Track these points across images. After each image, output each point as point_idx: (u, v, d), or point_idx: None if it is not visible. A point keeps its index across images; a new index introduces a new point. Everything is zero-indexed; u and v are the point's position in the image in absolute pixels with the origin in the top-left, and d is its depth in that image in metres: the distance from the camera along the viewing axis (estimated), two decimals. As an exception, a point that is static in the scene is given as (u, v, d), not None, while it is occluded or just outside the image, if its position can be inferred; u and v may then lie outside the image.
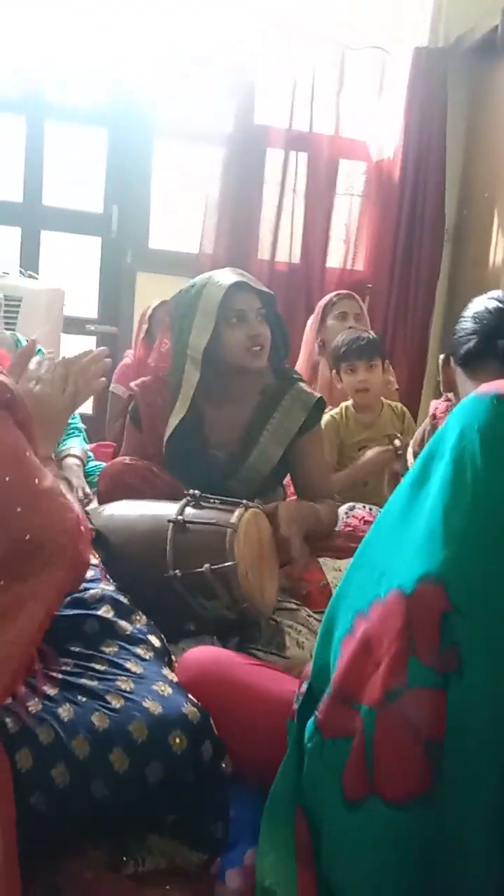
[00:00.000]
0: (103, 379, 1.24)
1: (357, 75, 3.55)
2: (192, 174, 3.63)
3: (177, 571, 1.42)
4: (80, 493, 2.11)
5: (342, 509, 2.11)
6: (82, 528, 0.93)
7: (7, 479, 0.84)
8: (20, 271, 3.28)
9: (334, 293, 2.95)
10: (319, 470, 1.93)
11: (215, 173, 3.46)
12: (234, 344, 1.77)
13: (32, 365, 1.18)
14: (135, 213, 3.57)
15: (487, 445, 0.77)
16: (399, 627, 0.75)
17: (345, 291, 2.98)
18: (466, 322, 1.16)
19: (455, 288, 3.74)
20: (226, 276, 1.80)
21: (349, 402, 2.46)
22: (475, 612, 0.73)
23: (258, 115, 3.49)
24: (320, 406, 1.92)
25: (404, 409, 2.61)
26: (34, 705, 0.94)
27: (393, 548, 0.84)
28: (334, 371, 2.51)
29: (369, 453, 2.30)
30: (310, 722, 0.84)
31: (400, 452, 2.27)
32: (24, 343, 2.38)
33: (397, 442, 2.27)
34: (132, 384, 1.95)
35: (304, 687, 0.90)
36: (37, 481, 0.88)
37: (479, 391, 0.81)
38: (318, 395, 1.92)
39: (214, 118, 3.43)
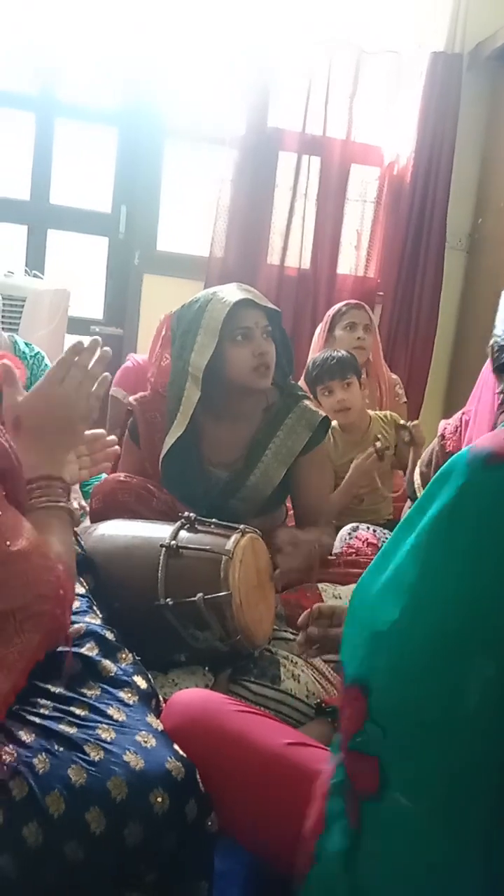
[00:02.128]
0: (107, 374, 1.15)
1: (372, 79, 3.48)
2: (203, 176, 3.57)
3: (168, 600, 1.37)
4: (76, 505, 2.06)
5: (344, 530, 2.06)
6: (62, 591, 0.86)
7: None
8: (25, 270, 3.23)
9: (343, 303, 2.88)
10: (319, 492, 1.88)
11: (226, 176, 3.39)
12: (238, 362, 1.72)
13: (60, 369, 1.08)
14: (143, 214, 3.51)
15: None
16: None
17: (354, 301, 2.91)
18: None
19: (469, 299, 3.67)
20: (231, 293, 1.74)
21: (334, 423, 2.39)
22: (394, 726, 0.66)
23: (271, 117, 3.42)
24: (325, 425, 1.86)
25: (394, 415, 2.54)
26: (9, 753, 0.88)
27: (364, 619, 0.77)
28: (312, 396, 2.44)
29: (353, 464, 2.23)
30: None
31: (387, 452, 2.22)
32: (21, 345, 2.33)
33: (378, 444, 2.21)
34: (131, 399, 1.90)
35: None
36: (8, 543, 0.82)
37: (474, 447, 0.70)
38: (323, 413, 1.87)
39: (227, 120, 3.36)
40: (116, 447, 1.23)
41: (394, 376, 2.99)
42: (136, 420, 1.85)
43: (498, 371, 1.08)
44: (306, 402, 1.87)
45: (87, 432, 1.21)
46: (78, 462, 1.19)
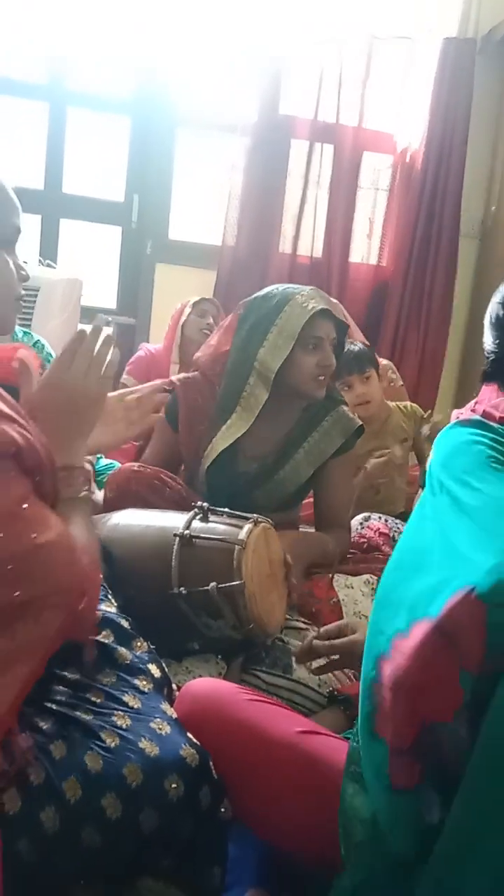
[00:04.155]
0: (116, 352, 1.12)
1: (384, 66, 3.45)
2: (215, 165, 3.56)
3: (182, 589, 1.38)
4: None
5: (356, 520, 2.06)
6: (86, 584, 0.87)
7: (0, 535, 0.79)
8: (39, 260, 3.24)
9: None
10: (342, 498, 1.89)
11: (238, 164, 3.38)
12: (304, 369, 1.73)
13: (65, 357, 1.07)
14: (155, 203, 3.51)
15: None
16: (437, 649, 0.70)
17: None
18: None
19: (482, 287, 3.65)
20: (311, 299, 1.74)
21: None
22: None
23: (283, 105, 3.40)
24: (359, 433, 1.88)
25: (415, 407, 2.54)
26: (26, 739, 0.90)
27: (410, 581, 0.78)
28: None
29: (368, 466, 2.23)
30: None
31: (398, 455, 2.22)
32: (20, 334, 2.34)
33: (397, 448, 2.22)
34: (174, 378, 1.90)
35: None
36: (34, 535, 0.82)
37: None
38: (359, 422, 1.88)
39: (238, 108, 3.35)
40: (164, 394, 1.22)
41: (384, 361, 2.96)
42: (178, 401, 1.85)
43: (482, 379, 1.09)
44: (344, 407, 1.89)
45: (125, 391, 1.23)
46: (126, 416, 1.22)
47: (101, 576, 1.25)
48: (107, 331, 1.09)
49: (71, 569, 0.87)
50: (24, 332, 2.24)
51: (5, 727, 0.81)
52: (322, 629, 1.25)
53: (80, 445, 1.05)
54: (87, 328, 1.09)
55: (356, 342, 2.48)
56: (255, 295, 1.82)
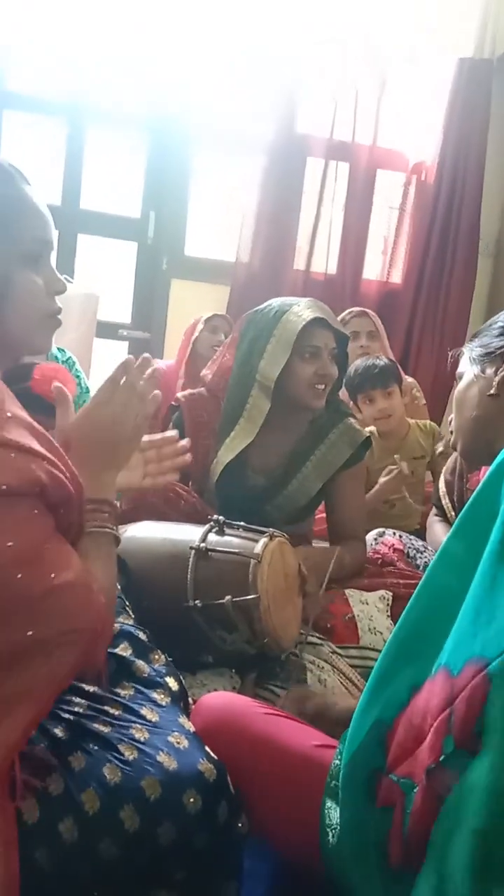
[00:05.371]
0: (157, 393, 1.09)
1: (399, 85, 3.49)
2: (230, 182, 3.59)
3: (197, 602, 1.38)
4: None
5: (371, 535, 2.06)
6: (100, 626, 0.87)
7: (19, 575, 0.78)
8: (55, 275, 3.26)
9: (347, 311, 2.91)
10: (354, 509, 1.89)
11: (254, 181, 3.42)
12: (301, 378, 1.74)
13: (107, 389, 1.05)
14: (172, 219, 3.54)
15: None
16: (441, 706, 0.70)
17: (357, 309, 2.95)
18: None
19: (497, 304, 3.66)
20: (307, 309, 1.76)
21: (372, 428, 2.39)
22: None
23: (299, 123, 3.44)
24: (367, 445, 1.89)
25: (433, 425, 2.54)
26: (44, 751, 0.90)
27: (445, 622, 0.78)
28: (352, 402, 2.45)
29: (378, 483, 2.22)
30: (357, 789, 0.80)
31: (406, 473, 2.21)
32: (55, 350, 2.36)
33: (405, 465, 2.22)
34: (179, 395, 1.92)
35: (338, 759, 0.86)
36: (53, 575, 0.81)
37: None
38: (366, 433, 1.89)
39: (255, 126, 3.39)
40: (188, 456, 1.20)
41: (410, 379, 2.98)
42: (183, 417, 1.86)
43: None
44: (351, 419, 1.89)
45: (157, 436, 1.20)
46: (144, 468, 1.19)
47: (118, 587, 1.26)
48: (153, 364, 1.08)
49: (87, 609, 0.86)
50: (59, 349, 2.26)
51: (8, 762, 0.81)
52: (288, 694, 1.24)
53: (111, 479, 1.03)
54: (132, 357, 1.07)
55: (382, 357, 2.50)
56: (255, 309, 1.85)
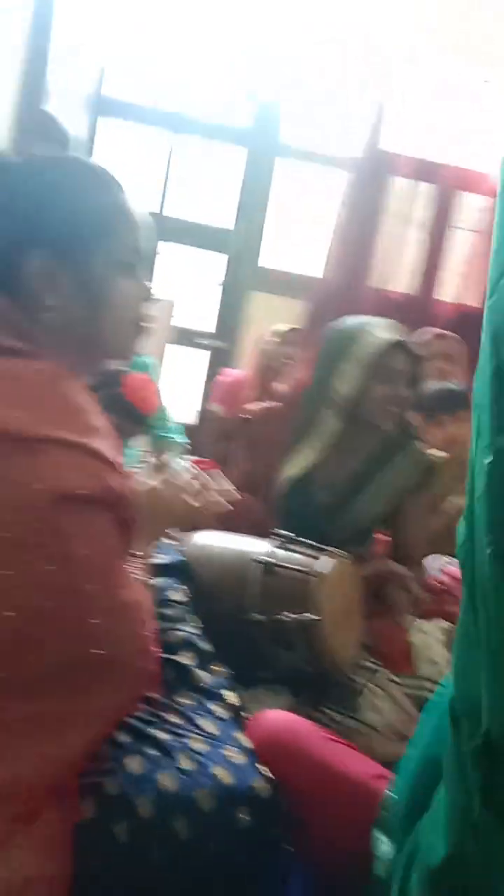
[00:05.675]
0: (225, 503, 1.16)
1: (492, 105, 3.44)
2: (312, 196, 3.61)
3: (257, 616, 1.38)
4: None
5: (436, 564, 2.02)
6: (152, 649, 0.88)
7: (88, 587, 0.78)
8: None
9: (426, 332, 2.87)
10: (417, 535, 1.87)
11: (337, 197, 3.43)
12: (375, 400, 1.74)
13: (172, 467, 1.12)
14: (251, 231, 3.58)
15: None
16: None
17: (437, 331, 2.89)
18: None
19: None
20: (385, 330, 1.76)
21: (442, 453, 2.35)
22: None
23: (385, 140, 3.43)
24: (432, 470, 1.86)
25: None
26: (103, 753, 0.91)
27: None
28: (423, 424, 2.42)
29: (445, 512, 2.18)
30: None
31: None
32: (145, 360, 2.40)
33: (455, 499, 2.16)
34: (249, 407, 1.93)
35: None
36: (120, 593, 0.83)
37: None
38: (433, 458, 1.87)
39: (340, 141, 3.41)
40: (228, 507, 1.19)
41: None
42: (253, 430, 1.89)
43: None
44: (418, 443, 1.88)
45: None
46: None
47: (188, 595, 1.27)
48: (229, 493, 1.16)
49: (143, 632, 0.87)
50: (136, 355, 2.31)
51: (67, 779, 0.82)
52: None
53: (153, 544, 1.10)
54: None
55: (457, 382, 2.46)
56: (332, 325, 1.84)
